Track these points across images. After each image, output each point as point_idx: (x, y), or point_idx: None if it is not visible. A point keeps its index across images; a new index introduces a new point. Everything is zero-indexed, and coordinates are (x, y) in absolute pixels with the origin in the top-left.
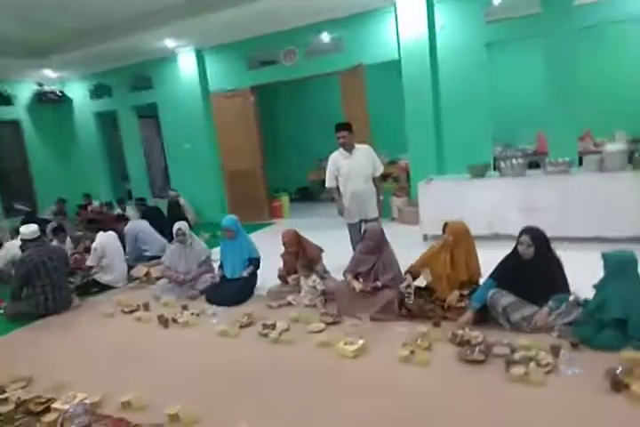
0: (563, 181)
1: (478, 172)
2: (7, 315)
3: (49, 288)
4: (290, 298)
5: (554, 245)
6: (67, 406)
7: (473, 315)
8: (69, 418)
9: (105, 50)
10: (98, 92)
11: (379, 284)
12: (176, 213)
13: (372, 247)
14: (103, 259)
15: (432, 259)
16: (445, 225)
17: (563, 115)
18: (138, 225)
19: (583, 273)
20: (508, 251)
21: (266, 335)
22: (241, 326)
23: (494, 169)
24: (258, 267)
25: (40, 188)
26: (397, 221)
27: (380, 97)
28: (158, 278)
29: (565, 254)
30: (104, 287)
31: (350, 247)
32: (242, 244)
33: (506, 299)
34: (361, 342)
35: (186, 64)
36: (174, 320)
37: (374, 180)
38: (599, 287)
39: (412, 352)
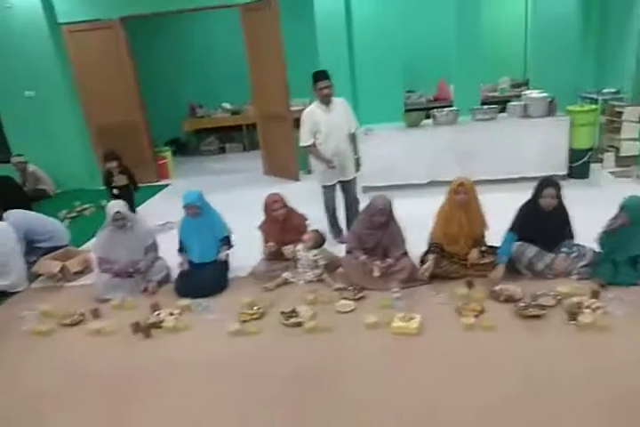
0: (491, 127)
1: (414, 121)
2: None
3: None
4: (285, 275)
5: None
6: None
7: (503, 269)
8: None
9: None
10: None
11: (390, 261)
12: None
13: (379, 222)
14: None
15: (446, 221)
16: (461, 184)
17: (468, 63)
18: (20, 218)
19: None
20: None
21: (296, 325)
22: (254, 319)
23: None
24: (231, 246)
25: None
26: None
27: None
28: (77, 273)
29: (493, 197)
30: None
31: (317, 211)
32: (209, 221)
33: (530, 250)
34: (417, 316)
35: None
36: (155, 326)
37: (350, 136)
38: (610, 232)
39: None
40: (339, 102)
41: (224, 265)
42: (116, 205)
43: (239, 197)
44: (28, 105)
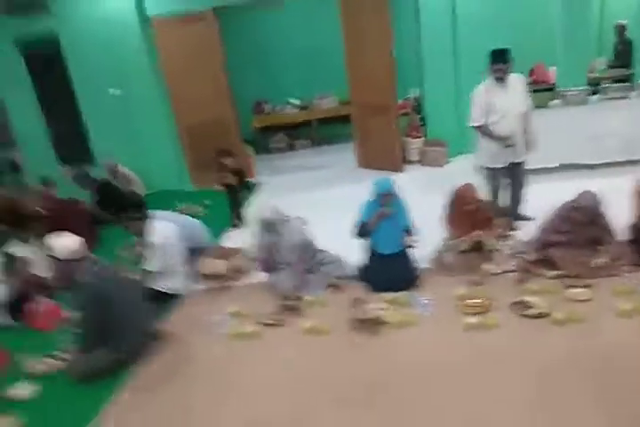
0: (623, 106)
1: (542, 101)
2: (77, 373)
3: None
4: (486, 267)
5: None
6: None
7: None
8: None
9: None
10: None
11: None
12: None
13: (581, 221)
14: (166, 259)
15: None
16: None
17: (575, 43)
18: (171, 218)
19: None
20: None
21: (538, 316)
22: (480, 312)
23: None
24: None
25: None
26: (418, 164)
27: None
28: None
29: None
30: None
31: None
32: (397, 209)
33: None
34: None
35: None
36: (376, 322)
37: (523, 115)
38: None
39: None
40: (514, 79)
41: (409, 256)
42: (265, 207)
43: (341, 193)
44: (113, 105)
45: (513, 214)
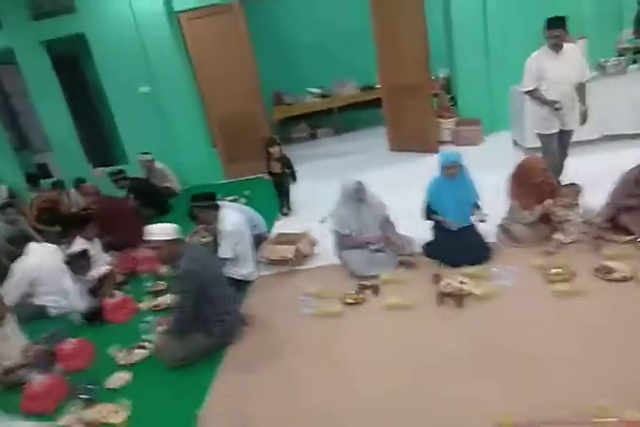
0: None
1: None
2: (172, 359)
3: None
4: (557, 236)
5: None
6: None
7: None
8: None
9: None
10: None
11: None
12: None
13: None
14: (237, 246)
15: None
16: None
17: (605, 15)
18: (235, 207)
19: None
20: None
21: (623, 280)
22: (563, 280)
23: None
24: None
25: None
26: (451, 144)
27: None
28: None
29: None
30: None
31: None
32: (464, 183)
33: None
34: None
35: None
36: (460, 295)
37: (579, 85)
38: None
39: None
40: (570, 48)
41: (478, 230)
42: (351, 180)
43: (380, 176)
44: (143, 103)
45: None
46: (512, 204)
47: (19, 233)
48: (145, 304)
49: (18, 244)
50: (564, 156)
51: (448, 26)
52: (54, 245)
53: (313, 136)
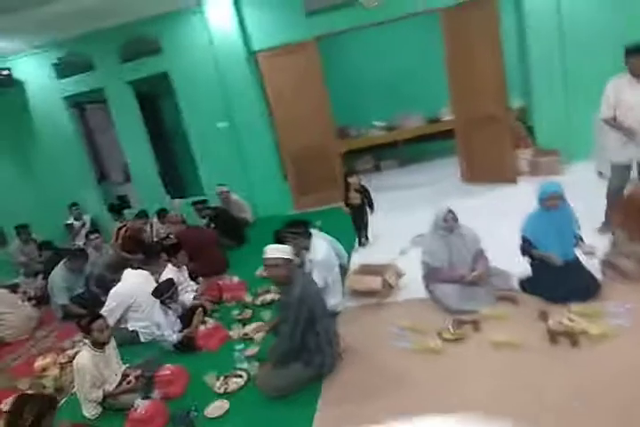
0: None
1: None
2: (272, 389)
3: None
4: None
5: None
6: None
7: None
8: None
9: (79, 7)
10: (67, 67)
11: None
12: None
13: None
14: (328, 276)
15: None
16: None
17: None
18: (328, 244)
19: None
20: None
21: None
22: None
23: None
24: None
25: None
26: (528, 175)
27: None
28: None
29: None
30: None
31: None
32: (567, 215)
33: None
34: None
35: (217, 16)
36: (573, 334)
37: None
38: None
39: None
40: None
41: (583, 264)
42: (444, 207)
43: (459, 207)
44: (220, 137)
45: None
46: (618, 236)
47: (116, 259)
48: (234, 332)
49: (115, 270)
50: None
51: (523, 53)
52: (147, 272)
53: (377, 168)
